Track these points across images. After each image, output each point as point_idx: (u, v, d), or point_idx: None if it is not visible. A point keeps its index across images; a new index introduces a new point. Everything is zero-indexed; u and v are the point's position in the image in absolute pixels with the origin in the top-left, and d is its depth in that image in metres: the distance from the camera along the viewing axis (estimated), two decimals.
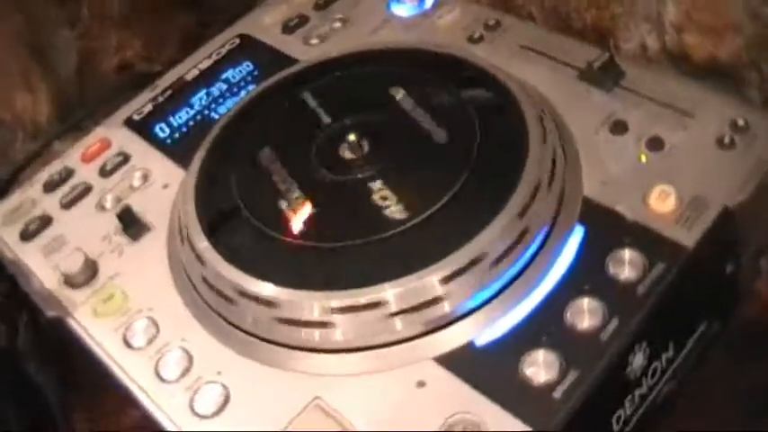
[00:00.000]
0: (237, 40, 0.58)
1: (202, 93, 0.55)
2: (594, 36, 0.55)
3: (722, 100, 0.47)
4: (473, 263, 0.40)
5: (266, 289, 0.41)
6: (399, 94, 0.48)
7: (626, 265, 0.40)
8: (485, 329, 0.40)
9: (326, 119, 0.48)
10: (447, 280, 0.39)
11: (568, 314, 0.39)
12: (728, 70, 0.52)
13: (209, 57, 0.57)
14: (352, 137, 0.45)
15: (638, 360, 0.39)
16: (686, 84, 0.48)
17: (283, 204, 0.44)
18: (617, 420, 0.40)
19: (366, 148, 0.45)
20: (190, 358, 0.42)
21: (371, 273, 0.40)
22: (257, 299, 0.41)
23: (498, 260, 0.40)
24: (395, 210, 0.43)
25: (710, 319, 0.44)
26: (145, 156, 0.52)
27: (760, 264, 0.50)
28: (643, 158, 0.45)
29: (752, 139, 0.44)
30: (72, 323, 0.45)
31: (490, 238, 0.40)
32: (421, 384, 0.39)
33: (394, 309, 0.39)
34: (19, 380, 0.54)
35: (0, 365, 0.53)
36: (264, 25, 0.58)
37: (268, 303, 0.41)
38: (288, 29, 0.57)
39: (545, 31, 0.54)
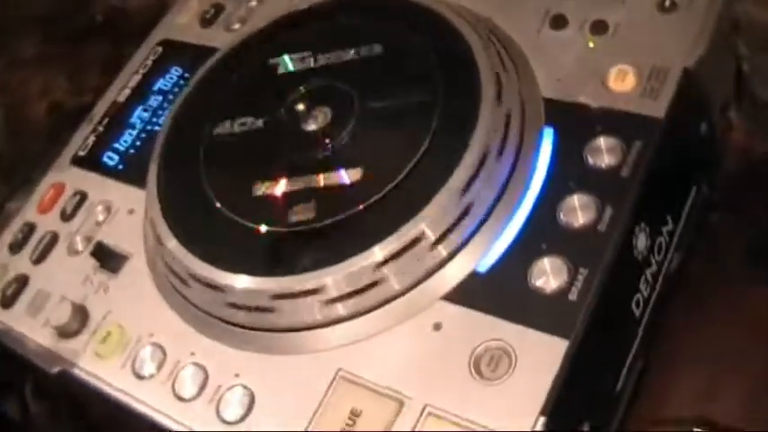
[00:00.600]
0: (160, 48, 0.56)
1: (139, 110, 0.54)
2: None
3: None
4: (455, 196, 0.39)
5: (261, 282, 0.40)
6: (332, 53, 0.47)
7: (604, 152, 0.40)
8: (484, 255, 0.39)
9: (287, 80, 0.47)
10: (434, 219, 0.39)
11: (561, 215, 0.39)
12: None
13: (137, 72, 0.55)
14: (301, 106, 0.44)
15: (641, 241, 0.39)
16: None
17: (257, 192, 0.43)
18: (636, 305, 0.39)
19: (328, 118, 0.44)
20: (204, 370, 0.41)
21: (359, 239, 0.39)
22: (254, 292, 0.40)
23: (478, 184, 0.39)
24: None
25: (699, 183, 0.44)
26: (101, 188, 0.51)
27: (729, 116, 0.49)
28: (591, 44, 0.44)
29: None
30: (78, 373, 0.44)
31: (464, 170, 0.39)
32: (437, 326, 0.38)
33: (388, 270, 0.38)
34: None
35: None
36: (181, 25, 0.56)
37: (265, 294, 0.40)
38: (206, 21, 0.55)
39: None
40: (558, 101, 0.42)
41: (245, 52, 0.49)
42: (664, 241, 0.41)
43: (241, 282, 0.40)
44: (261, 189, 0.43)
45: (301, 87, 0.45)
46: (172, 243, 0.43)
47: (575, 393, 0.36)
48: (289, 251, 0.41)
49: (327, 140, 0.43)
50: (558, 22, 0.45)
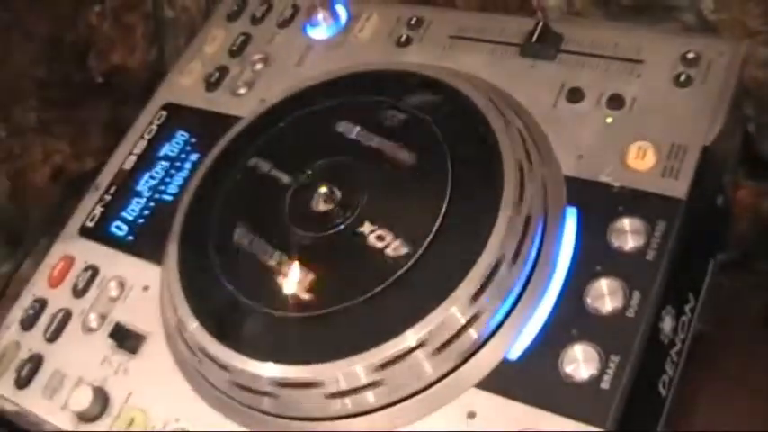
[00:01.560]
0: (164, 113, 0.55)
1: (146, 177, 0.53)
2: (515, 1, 0.54)
3: (664, 36, 0.47)
4: (487, 280, 0.39)
5: (298, 371, 0.39)
6: (349, 128, 0.46)
7: (628, 234, 0.40)
8: (514, 341, 0.39)
9: (285, 178, 0.46)
10: (468, 304, 0.39)
11: (589, 300, 0.39)
12: None
13: (142, 137, 0.55)
14: (323, 188, 0.44)
15: (667, 324, 0.39)
16: (624, 29, 0.48)
17: (279, 279, 0.43)
18: (663, 386, 0.40)
19: (338, 194, 0.44)
20: None
21: (393, 321, 0.39)
22: (289, 384, 0.40)
23: (506, 271, 0.40)
24: (396, 245, 0.42)
25: (716, 254, 0.44)
26: (112, 262, 0.50)
27: (737, 177, 0.50)
28: (609, 120, 0.44)
29: (706, 68, 0.44)
30: None
31: (492, 254, 0.39)
32: (471, 415, 0.38)
33: (426, 351, 0.38)
34: None
35: None
36: (185, 88, 0.56)
37: (304, 385, 0.40)
38: (211, 85, 0.55)
39: (469, 14, 0.53)
40: (578, 179, 0.43)
41: (263, 128, 0.49)
42: (686, 319, 0.41)
43: (271, 370, 0.40)
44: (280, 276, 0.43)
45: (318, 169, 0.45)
46: (197, 330, 0.43)
47: None
48: (317, 337, 0.41)
49: (343, 222, 0.43)
50: (575, 95, 0.45)
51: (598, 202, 0.42)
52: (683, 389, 0.45)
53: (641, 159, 0.42)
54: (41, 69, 0.52)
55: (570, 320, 0.39)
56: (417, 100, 0.46)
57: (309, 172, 0.45)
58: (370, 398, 0.39)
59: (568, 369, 0.38)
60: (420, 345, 0.38)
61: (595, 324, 0.39)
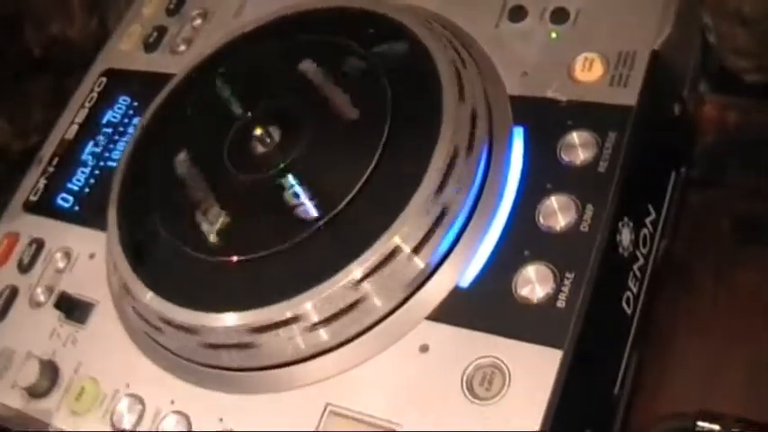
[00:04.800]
0: (104, 79, 0.53)
1: (90, 146, 0.51)
2: None
3: None
4: (430, 207, 0.37)
5: (237, 318, 0.38)
6: (309, 67, 0.44)
7: (578, 147, 0.38)
8: (464, 269, 0.37)
9: (238, 109, 0.44)
10: (410, 228, 0.37)
11: (541, 219, 0.37)
12: None
13: (83, 106, 0.53)
14: (258, 130, 0.42)
15: (625, 236, 0.37)
16: None
17: (206, 225, 0.41)
18: (627, 303, 0.38)
19: (277, 138, 0.42)
20: (186, 418, 0.39)
21: (332, 262, 0.37)
22: (231, 329, 0.38)
23: (450, 188, 0.38)
24: (308, 207, 0.39)
25: (677, 165, 0.42)
26: (58, 233, 0.48)
27: (700, 90, 0.48)
28: (553, 35, 0.42)
29: None
30: None
31: (433, 183, 0.37)
32: (424, 348, 0.36)
33: (373, 283, 0.36)
34: None
35: None
36: (125, 52, 0.54)
37: (243, 330, 0.38)
38: (150, 46, 0.53)
39: None
40: (525, 97, 0.41)
41: (197, 80, 0.47)
42: (648, 232, 0.39)
43: (216, 320, 0.38)
44: (221, 221, 0.41)
45: (252, 110, 0.43)
46: (140, 290, 0.41)
47: (573, 403, 0.34)
48: (261, 280, 0.39)
49: (282, 161, 0.41)
50: (517, 13, 0.43)
51: (546, 119, 0.40)
52: (655, 309, 0.43)
53: (588, 71, 0.40)
54: None
55: (522, 242, 0.37)
56: (355, 33, 0.44)
57: (249, 114, 0.43)
58: (323, 336, 0.37)
59: (522, 291, 0.36)
60: (366, 276, 0.36)
61: (548, 242, 0.36)
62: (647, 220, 0.39)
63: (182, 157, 0.44)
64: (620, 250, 0.37)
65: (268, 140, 0.42)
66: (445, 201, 0.37)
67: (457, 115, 0.39)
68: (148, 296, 0.40)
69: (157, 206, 0.43)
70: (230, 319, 0.38)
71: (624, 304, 0.38)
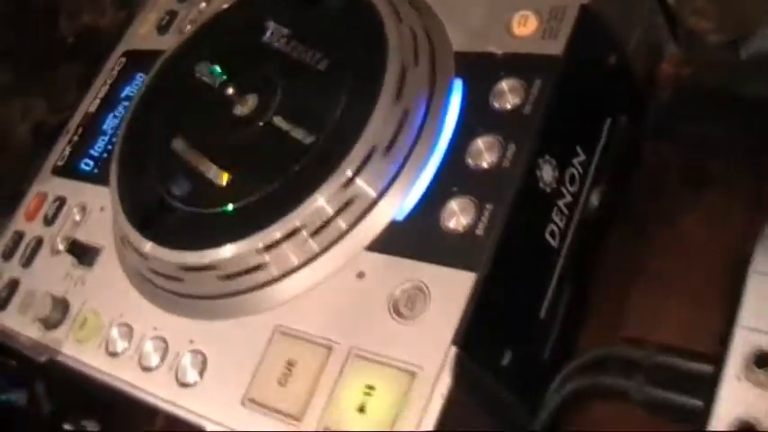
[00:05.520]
0: (124, 59, 0.60)
1: (110, 117, 0.58)
2: None
3: None
4: (373, 151, 0.41)
5: (203, 255, 0.43)
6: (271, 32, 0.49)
7: (507, 94, 0.42)
8: (401, 204, 0.41)
9: (216, 83, 0.50)
10: (357, 171, 0.41)
11: (470, 159, 0.41)
12: None
13: (105, 83, 0.60)
14: (231, 90, 0.47)
15: (547, 173, 0.40)
16: None
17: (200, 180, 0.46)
18: (551, 236, 0.41)
19: (255, 99, 0.47)
20: (164, 341, 0.44)
21: (288, 198, 0.42)
22: (200, 267, 0.43)
23: (393, 138, 0.42)
24: (297, 134, 0.44)
25: (613, 113, 0.45)
26: (78, 192, 0.55)
27: (662, 48, 0.50)
28: None
29: None
30: (62, 359, 0.48)
31: (378, 125, 0.41)
32: (361, 275, 0.40)
33: (317, 221, 0.41)
34: None
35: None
36: (142, 35, 0.60)
37: (210, 267, 0.43)
38: (162, 29, 0.59)
39: None
40: (467, 52, 0.44)
41: (183, 56, 0.53)
42: (576, 172, 0.42)
43: (186, 257, 0.44)
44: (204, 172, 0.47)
45: (231, 76, 0.49)
46: (131, 232, 0.47)
47: (489, 323, 0.37)
48: (231, 222, 0.44)
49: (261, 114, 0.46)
50: None
51: (483, 71, 0.43)
52: (606, 251, 0.45)
53: (524, 26, 0.43)
54: (11, 33, 0.57)
55: (452, 179, 0.41)
56: None
57: (235, 80, 0.49)
58: (274, 270, 0.42)
59: (448, 223, 0.39)
60: (321, 205, 0.41)
61: (474, 179, 0.40)
62: (575, 161, 0.42)
63: (173, 118, 0.50)
64: (541, 185, 0.40)
65: (246, 102, 0.47)
66: (388, 142, 0.41)
67: (400, 66, 0.43)
68: (133, 234, 0.46)
69: (148, 163, 0.49)
70: (198, 256, 0.43)
71: (548, 236, 0.40)
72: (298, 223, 0.41)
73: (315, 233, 0.41)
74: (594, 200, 0.43)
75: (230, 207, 0.43)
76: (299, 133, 0.44)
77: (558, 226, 0.41)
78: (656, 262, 0.46)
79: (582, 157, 0.42)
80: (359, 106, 0.43)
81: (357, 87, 0.44)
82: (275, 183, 0.43)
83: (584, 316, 0.44)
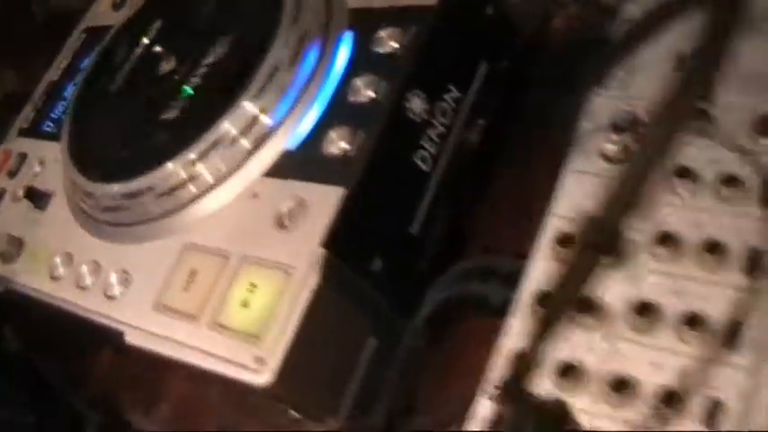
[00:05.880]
0: (84, 35, 0.68)
1: (70, 85, 0.65)
2: None
3: None
4: (269, 82, 0.47)
5: (125, 185, 0.50)
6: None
7: (386, 39, 0.47)
8: (293, 136, 0.47)
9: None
10: (255, 98, 0.47)
11: (351, 96, 0.47)
12: None
13: (67, 57, 0.67)
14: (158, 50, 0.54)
15: (416, 104, 0.46)
16: None
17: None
18: (422, 160, 0.46)
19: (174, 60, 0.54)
20: (98, 264, 0.51)
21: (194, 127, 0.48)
22: (118, 195, 0.50)
23: (285, 78, 0.48)
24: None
25: (489, 58, 0.50)
26: (39, 149, 0.62)
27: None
28: None
29: None
30: (16, 287, 0.55)
31: (277, 56, 0.48)
32: (255, 195, 0.46)
33: (226, 140, 0.47)
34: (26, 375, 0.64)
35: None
36: (100, 13, 0.68)
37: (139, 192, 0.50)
38: (116, 6, 0.66)
39: None
40: (359, 8, 0.50)
41: (125, 28, 0.60)
42: (448, 106, 0.47)
43: (109, 188, 0.50)
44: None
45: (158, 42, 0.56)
46: (75, 173, 0.54)
47: (357, 231, 0.43)
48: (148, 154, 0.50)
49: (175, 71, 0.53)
50: None
51: (371, 24, 0.49)
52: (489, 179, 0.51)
53: None
54: None
55: (336, 114, 0.47)
56: None
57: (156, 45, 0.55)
58: (189, 190, 0.48)
59: (330, 149, 0.45)
60: (224, 136, 0.47)
61: (352, 111, 0.46)
62: (447, 96, 0.47)
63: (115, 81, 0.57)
64: (411, 115, 0.46)
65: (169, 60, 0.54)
66: (284, 80, 0.48)
67: (297, 20, 0.49)
68: (73, 172, 0.53)
69: (92, 115, 0.56)
70: (119, 187, 0.50)
71: (419, 161, 0.46)
72: (210, 143, 0.47)
73: (225, 151, 0.47)
74: (474, 135, 0.49)
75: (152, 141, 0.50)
76: (210, 72, 0.51)
77: (429, 152, 0.47)
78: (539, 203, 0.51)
79: (454, 94, 0.48)
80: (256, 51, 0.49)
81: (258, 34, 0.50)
82: (192, 112, 0.49)
83: (463, 238, 0.50)
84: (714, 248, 0.34)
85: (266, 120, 0.47)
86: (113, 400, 0.59)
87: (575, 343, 0.36)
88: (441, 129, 0.47)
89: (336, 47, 0.49)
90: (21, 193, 0.60)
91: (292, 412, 0.44)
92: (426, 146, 0.47)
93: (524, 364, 0.36)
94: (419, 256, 0.47)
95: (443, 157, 0.47)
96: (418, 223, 0.46)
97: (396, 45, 0.47)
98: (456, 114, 0.48)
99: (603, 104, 0.43)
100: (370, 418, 0.45)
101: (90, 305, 0.49)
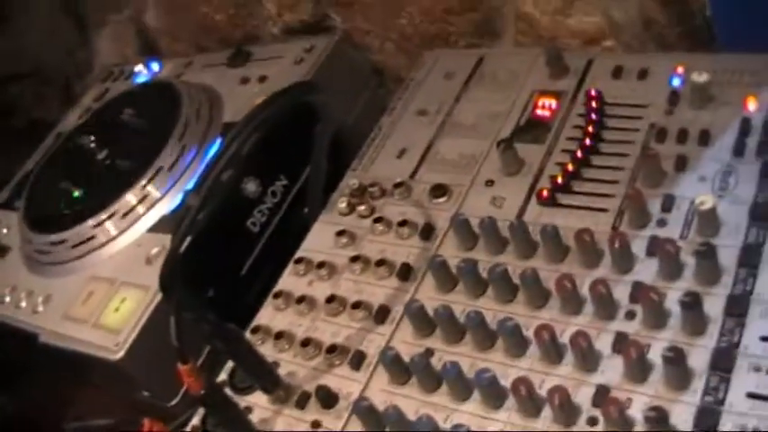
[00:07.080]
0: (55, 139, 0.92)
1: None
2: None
3: None
4: (156, 174, 0.69)
5: (48, 238, 0.71)
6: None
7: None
8: (171, 205, 0.69)
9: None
10: (150, 182, 0.69)
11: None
12: None
13: (39, 154, 0.91)
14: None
15: (250, 187, 0.67)
16: None
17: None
18: (253, 224, 0.67)
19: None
20: (30, 292, 0.71)
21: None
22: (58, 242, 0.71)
23: (172, 171, 0.70)
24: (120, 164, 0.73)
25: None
26: (8, 218, 0.84)
27: None
28: (256, 89, 0.75)
29: None
30: None
31: (164, 161, 0.70)
32: (139, 244, 0.67)
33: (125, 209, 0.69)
34: None
35: None
36: (69, 123, 0.92)
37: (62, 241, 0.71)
38: (81, 117, 0.90)
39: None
40: (229, 123, 0.73)
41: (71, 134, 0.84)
42: (279, 190, 0.69)
43: (42, 238, 0.72)
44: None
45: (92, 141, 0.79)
46: (21, 227, 0.75)
47: (190, 267, 0.63)
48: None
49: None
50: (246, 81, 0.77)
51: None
52: None
53: None
54: None
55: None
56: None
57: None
58: (99, 237, 0.69)
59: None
60: (123, 205, 0.69)
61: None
62: (279, 183, 0.69)
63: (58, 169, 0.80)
64: (245, 192, 0.67)
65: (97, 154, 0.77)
66: (167, 174, 0.70)
67: (182, 138, 0.72)
68: (24, 229, 0.75)
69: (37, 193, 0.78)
70: (51, 237, 0.71)
71: (250, 225, 0.67)
72: (117, 208, 0.69)
73: (123, 216, 0.69)
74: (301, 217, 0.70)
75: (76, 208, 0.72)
76: (122, 163, 0.73)
77: (259, 220, 0.68)
78: None
79: (285, 182, 0.69)
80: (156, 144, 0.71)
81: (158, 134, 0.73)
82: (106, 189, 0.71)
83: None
84: (382, 263, 0.55)
85: (155, 193, 0.69)
86: None
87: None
88: (270, 204, 0.69)
89: (207, 150, 0.72)
90: None
91: (144, 393, 0.63)
92: (257, 215, 0.68)
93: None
94: (247, 290, 0.67)
95: (273, 224, 0.69)
96: (247, 267, 0.67)
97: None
98: (285, 196, 0.70)
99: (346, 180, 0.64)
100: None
101: (22, 318, 0.70)
